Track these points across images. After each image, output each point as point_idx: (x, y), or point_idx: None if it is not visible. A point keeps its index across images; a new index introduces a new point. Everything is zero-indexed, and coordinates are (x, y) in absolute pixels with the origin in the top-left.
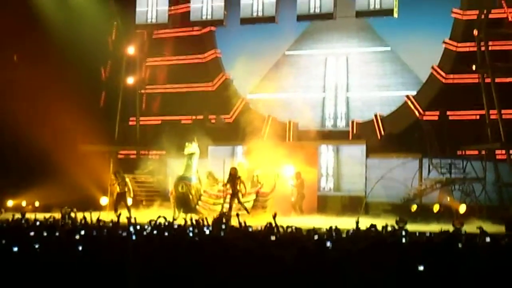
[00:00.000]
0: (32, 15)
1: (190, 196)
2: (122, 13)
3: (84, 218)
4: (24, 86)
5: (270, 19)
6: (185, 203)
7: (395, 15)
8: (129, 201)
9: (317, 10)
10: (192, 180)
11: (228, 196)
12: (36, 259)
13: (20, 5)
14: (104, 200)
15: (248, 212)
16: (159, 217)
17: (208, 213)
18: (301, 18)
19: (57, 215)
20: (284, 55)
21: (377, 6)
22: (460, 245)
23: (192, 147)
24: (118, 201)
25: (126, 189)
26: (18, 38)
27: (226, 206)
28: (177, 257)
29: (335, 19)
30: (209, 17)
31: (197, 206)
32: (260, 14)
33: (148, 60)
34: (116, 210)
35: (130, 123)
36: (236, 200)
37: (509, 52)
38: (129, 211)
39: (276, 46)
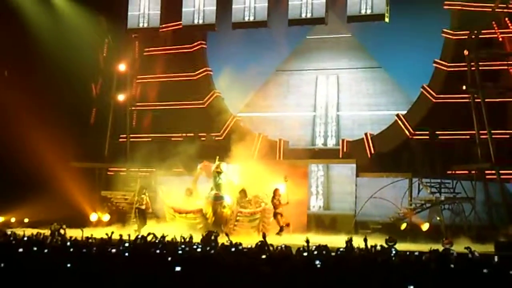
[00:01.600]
0: (23, 32)
1: (228, 216)
2: (113, 30)
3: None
4: (15, 102)
5: (262, 24)
6: (222, 222)
7: (386, 19)
8: None
9: (309, 15)
10: (226, 200)
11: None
12: (24, 275)
13: (11, 22)
14: (94, 217)
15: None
16: (149, 234)
17: (246, 231)
18: (292, 22)
19: (46, 232)
20: (274, 73)
21: (368, 11)
22: (451, 265)
23: (222, 165)
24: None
25: (145, 205)
26: (9, 54)
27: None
28: (165, 274)
29: (326, 25)
30: (200, 21)
31: (235, 227)
32: (252, 18)
33: (139, 77)
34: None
35: (121, 140)
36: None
37: (500, 72)
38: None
39: (267, 64)
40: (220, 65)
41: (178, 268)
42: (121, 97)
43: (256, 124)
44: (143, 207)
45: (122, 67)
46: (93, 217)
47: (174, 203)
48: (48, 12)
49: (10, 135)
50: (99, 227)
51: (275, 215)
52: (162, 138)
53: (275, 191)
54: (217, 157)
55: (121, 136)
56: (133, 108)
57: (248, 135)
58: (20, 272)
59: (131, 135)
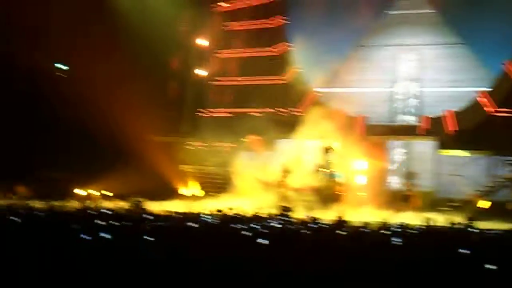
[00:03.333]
0: (107, 9)
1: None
2: (193, 4)
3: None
4: (98, 78)
5: None
6: (338, 198)
7: None
8: None
9: None
10: (339, 177)
11: None
12: (106, 247)
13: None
14: (178, 190)
15: None
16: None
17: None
18: None
19: (126, 205)
20: (356, 49)
21: None
22: None
23: (333, 143)
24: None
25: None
26: (92, 33)
27: None
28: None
29: None
30: None
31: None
32: None
33: (219, 52)
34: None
35: (200, 114)
36: None
37: None
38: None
39: (348, 40)
40: (300, 40)
41: (265, 241)
42: (200, 72)
43: (336, 100)
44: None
45: (202, 41)
46: (177, 190)
47: (290, 181)
48: None
49: (95, 110)
50: (180, 200)
51: None
52: (241, 113)
53: None
54: (324, 135)
55: (201, 110)
56: (213, 83)
57: (328, 110)
58: (103, 244)
59: (210, 110)
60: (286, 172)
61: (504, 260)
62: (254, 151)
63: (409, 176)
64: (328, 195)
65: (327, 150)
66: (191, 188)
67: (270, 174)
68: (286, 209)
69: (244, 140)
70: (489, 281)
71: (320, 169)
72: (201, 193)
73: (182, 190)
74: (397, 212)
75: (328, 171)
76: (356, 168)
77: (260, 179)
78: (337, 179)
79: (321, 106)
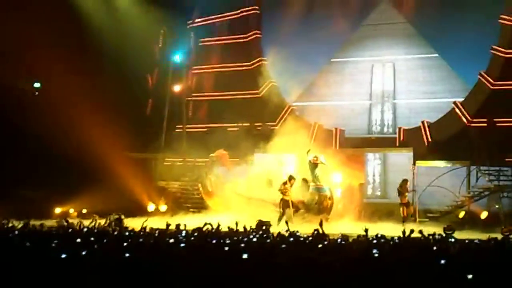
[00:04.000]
0: (81, 24)
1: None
2: (168, 21)
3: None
4: (73, 95)
5: None
6: (326, 212)
7: None
8: None
9: None
10: (327, 191)
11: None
12: (83, 265)
13: (70, 16)
14: (151, 207)
15: None
16: (205, 224)
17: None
18: None
19: (103, 222)
20: (330, 63)
21: None
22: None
23: (321, 157)
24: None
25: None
26: (65, 46)
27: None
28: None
29: None
30: None
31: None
32: None
33: (195, 68)
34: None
35: (177, 130)
36: None
37: None
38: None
39: (322, 54)
40: (275, 54)
41: (245, 256)
42: (177, 88)
43: (311, 113)
44: (287, 197)
45: (177, 57)
46: (151, 207)
47: (269, 197)
48: (105, 4)
49: (68, 126)
50: (156, 216)
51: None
52: (218, 128)
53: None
54: (309, 149)
55: (178, 126)
56: (189, 98)
57: (304, 124)
58: (79, 262)
59: (187, 126)
60: (269, 186)
61: (481, 269)
62: (222, 166)
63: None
64: (318, 209)
65: (315, 164)
66: (168, 204)
67: (251, 188)
68: (265, 223)
69: (211, 155)
70: None
71: (310, 183)
72: (178, 209)
73: (159, 206)
74: (376, 224)
75: (316, 184)
76: (334, 181)
77: (242, 193)
78: (324, 193)
79: (297, 119)
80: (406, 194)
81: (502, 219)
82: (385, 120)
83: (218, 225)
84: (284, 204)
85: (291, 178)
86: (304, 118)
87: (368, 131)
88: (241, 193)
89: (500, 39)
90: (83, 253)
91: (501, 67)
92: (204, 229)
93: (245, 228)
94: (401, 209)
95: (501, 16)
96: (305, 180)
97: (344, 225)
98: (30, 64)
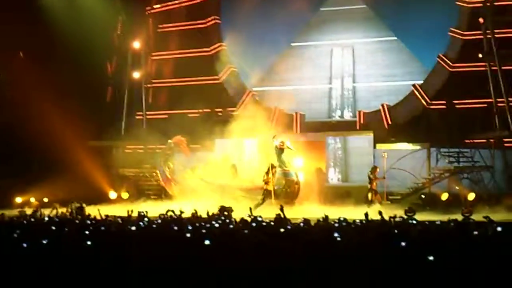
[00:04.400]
0: (37, 12)
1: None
2: (126, 8)
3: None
4: (31, 83)
5: None
6: (294, 197)
7: None
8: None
9: None
10: (293, 176)
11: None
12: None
13: (27, 3)
14: (112, 195)
15: None
16: (168, 210)
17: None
18: None
19: (64, 210)
20: (289, 47)
21: None
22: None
23: (287, 142)
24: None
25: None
26: (23, 35)
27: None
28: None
29: None
30: None
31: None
32: None
33: (154, 54)
34: None
35: (137, 117)
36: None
37: None
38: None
39: (281, 38)
40: (235, 39)
41: (207, 242)
42: (136, 75)
43: (272, 98)
44: (270, 187)
45: (136, 44)
46: (112, 195)
47: (235, 182)
48: None
49: (27, 115)
50: (118, 204)
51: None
52: (178, 114)
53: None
54: (275, 135)
55: (137, 113)
56: (149, 85)
57: (264, 109)
58: (40, 251)
59: (147, 112)
60: (234, 171)
61: (442, 250)
62: (181, 152)
63: (372, 170)
64: (286, 193)
65: (281, 149)
66: (129, 191)
67: (216, 174)
68: (227, 209)
69: (169, 141)
70: (428, 272)
71: (277, 168)
72: (139, 196)
73: (120, 194)
74: (338, 207)
75: (283, 169)
76: (296, 165)
77: (209, 180)
78: (291, 178)
79: (257, 104)
80: (375, 181)
81: (462, 201)
82: (345, 104)
83: (181, 212)
84: (267, 194)
85: (273, 167)
86: (265, 102)
87: (328, 115)
88: (208, 179)
89: (458, 21)
90: (44, 242)
91: (459, 49)
92: (167, 216)
93: (208, 214)
94: (369, 194)
95: None
96: (272, 166)
97: (306, 209)
98: None
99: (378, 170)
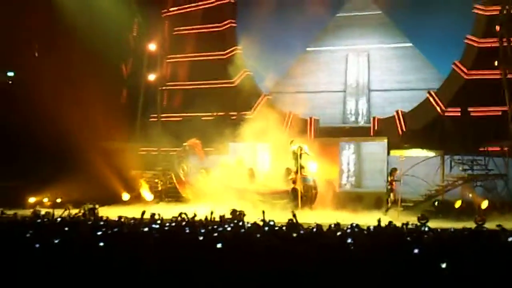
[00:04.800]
0: (55, 13)
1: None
2: (143, 10)
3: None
4: (46, 84)
5: None
6: (312, 202)
7: None
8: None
9: None
10: (311, 181)
11: None
12: (57, 254)
13: (44, 4)
14: (125, 196)
15: None
16: (180, 213)
17: None
18: None
19: (78, 211)
20: (305, 52)
21: None
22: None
23: (304, 147)
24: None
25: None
26: (39, 36)
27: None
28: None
29: None
30: None
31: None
32: None
33: (169, 57)
34: None
35: (151, 119)
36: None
37: None
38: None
39: (297, 43)
40: (250, 43)
41: (219, 245)
42: (151, 77)
43: (286, 103)
44: (297, 186)
45: (152, 46)
46: (125, 196)
47: (252, 186)
48: None
49: (41, 115)
50: (131, 206)
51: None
52: (192, 117)
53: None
54: (292, 140)
55: (152, 115)
56: (164, 88)
57: (279, 113)
58: (53, 252)
59: (162, 115)
60: (251, 176)
61: (454, 258)
62: (196, 155)
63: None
64: (305, 199)
65: (300, 154)
66: (144, 194)
67: (230, 178)
68: (239, 213)
69: (184, 144)
70: (441, 280)
71: (296, 174)
72: (154, 199)
73: (134, 196)
74: (350, 213)
75: (301, 175)
76: (311, 170)
77: (223, 183)
78: (309, 183)
79: (271, 108)
80: (393, 182)
81: (475, 208)
82: (360, 110)
83: (194, 215)
84: (295, 193)
85: (301, 167)
86: (279, 107)
87: (342, 120)
88: (225, 183)
89: (474, 28)
90: (56, 241)
91: (475, 56)
92: (179, 218)
93: (220, 217)
94: (389, 197)
95: (475, 6)
96: (288, 170)
97: (318, 214)
98: (2, 53)
99: (397, 172)
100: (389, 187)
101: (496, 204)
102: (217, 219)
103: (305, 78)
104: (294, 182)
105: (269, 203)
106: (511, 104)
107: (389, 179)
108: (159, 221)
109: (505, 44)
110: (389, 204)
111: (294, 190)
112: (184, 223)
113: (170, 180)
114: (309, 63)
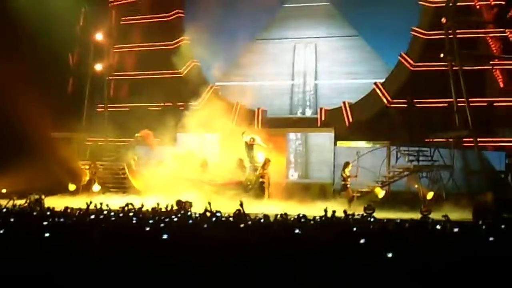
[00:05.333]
0: None
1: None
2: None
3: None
4: None
5: None
6: (264, 192)
7: None
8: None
9: None
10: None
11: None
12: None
13: None
14: (72, 187)
15: None
16: (126, 204)
17: None
18: None
19: (23, 202)
20: (252, 42)
21: None
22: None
23: (257, 138)
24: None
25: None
26: None
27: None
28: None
29: None
30: None
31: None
32: None
33: (116, 47)
34: None
35: (98, 109)
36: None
37: (477, 40)
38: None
39: (245, 33)
40: (198, 33)
41: (164, 236)
42: (98, 67)
43: (234, 93)
44: (265, 180)
45: (99, 36)
46: (71, 187)
47: (206, 177)
48: None
49: None
50: (77, 196)
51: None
52: (139, 107)
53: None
54: (244, 131)
55: (99, 105)
56: (111, 77)
57: (226, 104)
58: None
59: (109, 105)
60: (204, 166)
61: (400, 248)
62: (147, 146)
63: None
64: (256, 188)
65: (251, 145)
66: (90, 184)
67: (182, 169)
68: (185, 203)
69: (137, 135)
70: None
71: (247, 164)
72: (100, 189)
73: (81, 186)
74: (298, 204)
75: (253, 165)
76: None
77: (179, 174)
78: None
79: (219, 99)
80: (348, 179)
81: (421, 199)
82: (307, 101)
83: (142, 206)
84: (261, 187)
85: (268, 160)
86: (227, 97)
87: (290, 111)
88: (178, 174)
89: (420, 21)
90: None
91: (421, 48)
92: (126, 209)
93: (166, 208)
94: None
95: None
96: (241, 161)
97: (265, 205)
98: None
99: (350, 166)
100: (343, 183)
101: (442, 195)
102: (164, 210)
103: (252, 69)
104: (262, 176)
105: (222, 194)
106: (456, 96)
107: (342, 174)
108: (105, 212)
109: (450, 36)
110: (350, 204)
111: (260, 184)
112: (131, 213)
113: (120, 170)
114: (257, 54)
